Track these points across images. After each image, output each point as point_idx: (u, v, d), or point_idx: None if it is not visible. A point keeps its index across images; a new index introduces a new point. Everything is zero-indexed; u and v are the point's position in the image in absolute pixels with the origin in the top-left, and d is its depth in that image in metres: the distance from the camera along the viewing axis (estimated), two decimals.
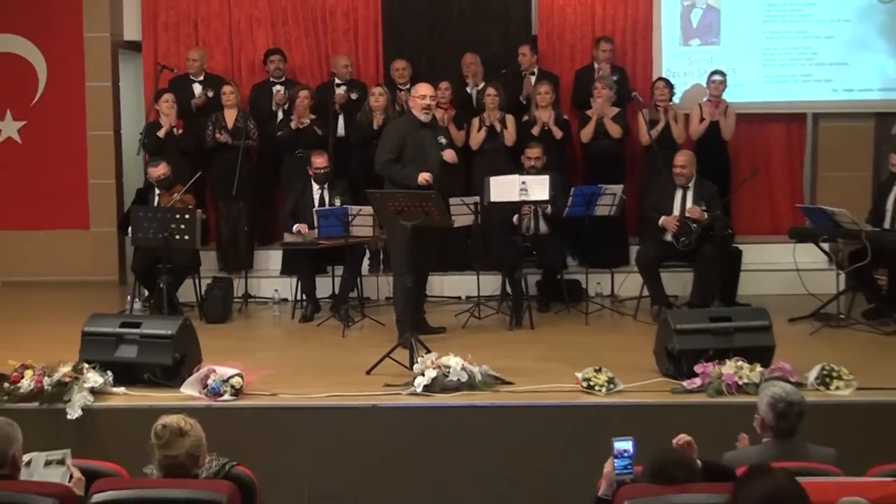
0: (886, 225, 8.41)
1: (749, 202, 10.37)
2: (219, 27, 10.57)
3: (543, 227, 8.96)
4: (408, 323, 7.26)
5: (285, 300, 9.31)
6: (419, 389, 6.39)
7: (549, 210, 8.80)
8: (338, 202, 8.84)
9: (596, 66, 10.10)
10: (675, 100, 9.95)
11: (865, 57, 10.47)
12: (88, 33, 10.56)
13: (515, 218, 8.69)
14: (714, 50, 10.45)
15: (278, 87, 9.96)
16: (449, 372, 6.44)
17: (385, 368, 6.81)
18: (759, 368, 6.38)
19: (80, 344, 6.66)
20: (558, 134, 9.50)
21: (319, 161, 8.93)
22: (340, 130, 9.89)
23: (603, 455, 4.25)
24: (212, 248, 9.87)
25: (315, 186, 8.96)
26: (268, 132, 9.74)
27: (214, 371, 6.45)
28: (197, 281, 8.95)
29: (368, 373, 6.82)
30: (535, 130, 9.45)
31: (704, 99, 9.88)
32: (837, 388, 6.37)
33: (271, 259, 9.90)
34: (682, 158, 8.78)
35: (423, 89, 7.60)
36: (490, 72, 10.12)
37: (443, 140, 7.82)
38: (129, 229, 8.54)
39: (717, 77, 9.80)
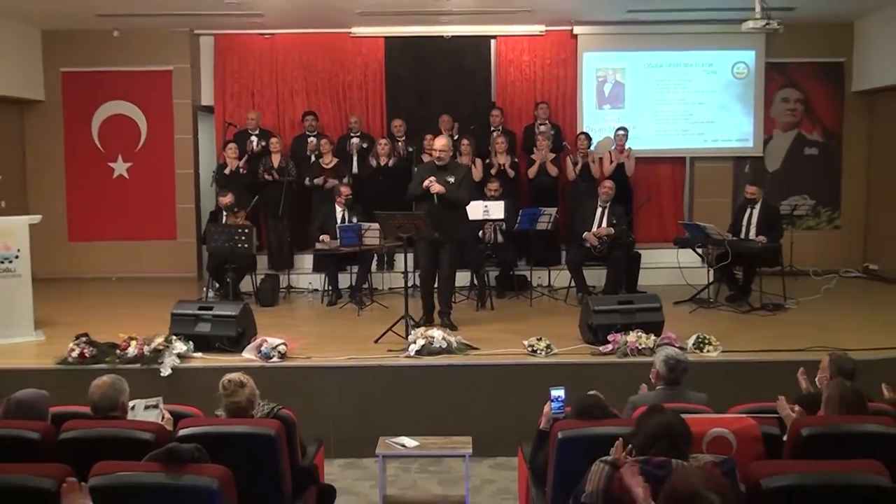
0: (742, 236, 8.44)
1: (646, 219, 10.36)
2: (269, 95, 10.50)
3: (500, 237, 8.97)
4: (426, 304, 7.30)
5: (317, 290, 9.27)
6: (412, 353, 6.38)
7: (504, 226, 8.82)
8: (355, 220, 8.77)
9: (537, 122, 10.09)
10: (592, 147, 9.93)
11: (727, 117, 10.49)
12: (176, 100, 10.49)
13: (480, 233, 8.69)
14: (620, 112, 10.43)
15: (311, 138, 9.88)
16: (434, 341, 6.45)
17: (389, 339, 6.79)
18: (653, 337, 6.41)
19: (170, 322, 6.63)
20: (511, 173, 9.48)
21: (346, 191, 8.85)
22: (355, 169, 9.85)
23: (543, 399, 4.24)
24: (264, 253, 9.83)
25: (338, 209, 8.87)
26: (302, 171, 9.62)
27: (266, 341, 6.43)
28: (253, 276, 8.88)
29: (376, 342, 6.79)
30: (494, 170, 9.44)
31: (613, 147, 9.87)
32: (708, 351, 6.41)
33: (306, 261, 9.81)
34: (608, 184, 8.78)
35: (437, 143, 7.35)
36: (462, 128, 10.12)
37: (451, 179, 7.33)
38: (206, 240, 8.47)
39: (620, 132, 9.78)
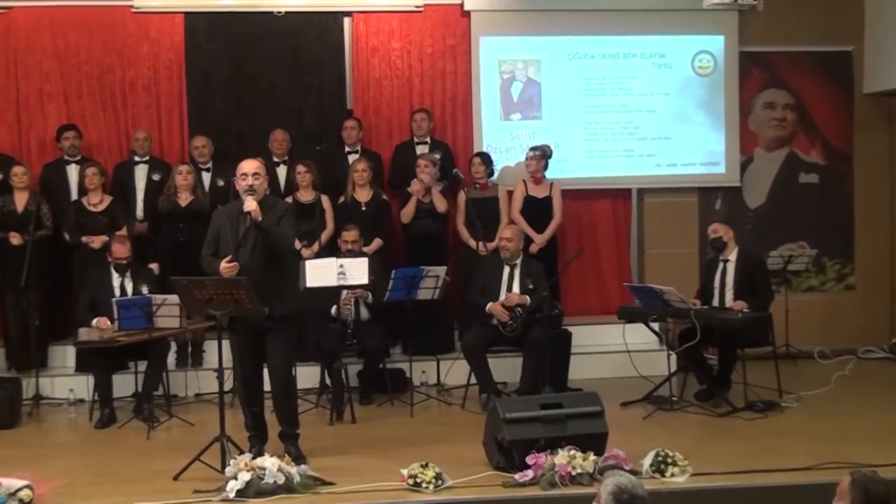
0: (714, 303, 8.71)
1: (577, 281, 10.62)
2: (3, 101, 10.26)
3: (364, 312, 9.00)
4: (248, 417, 7.23)
5: (82, 401, 9.05)
6: (232, 495, 6.25)
7: (370, 299, 8.85)
8: (145, 291, 8.62)
9: (415, 139, 10.24)
10: (495, 177, 10.15)
11: (687, 131, 10.88)
12: None
13: (334, 309, 8.68)
14: (536, 124, 10.69)
15: (72, 164, 9.75)
16: (264, 474, 6.32)
17: (195, 473, 6.63)
18: (592, 457, 6.46)
19: None
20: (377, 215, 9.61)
21: (121, 251, 8.73)
22: (139, 212, 9.76)
23: None
24: None
25: (115, 275, 8.76)
26: (65, 218, 9.47)
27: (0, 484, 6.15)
28: None
29: (176, 478, 6.64)
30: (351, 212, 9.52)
31: (528, 175, 10.05)
32: (672, 474, 6.50)
33: (67, 355, 9.57)
34: (509, 232, 8.97)
35: (244, 165, 7.08)
36: (303, 147, 10.17)
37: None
38: None
39: (531, 153, 10.00)
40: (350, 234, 9.02)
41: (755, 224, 10.97)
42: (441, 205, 9.73)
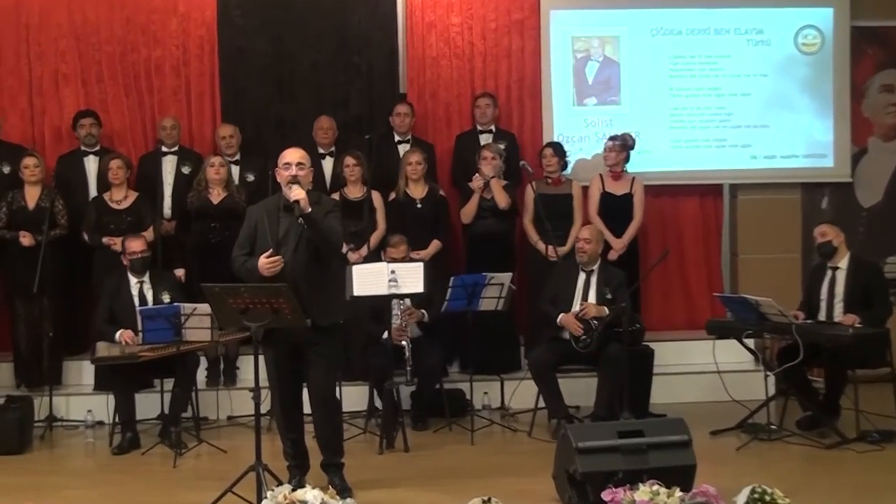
0: (821, 316, 8.63)
1: (660, 291, 10.62)
2: (14, 84, 10.41)
3: (418, 327, 9.03)
4: (287, 444, 7.22)
5: (100, 423, 9.13)
6: None
7: (426, 318, 8.95)
8: (166, 299, 8.70)
9: (477, 128, 10.26)
10: (569, 171, 10.15)
11: (788, 118, 10.80)
12: None
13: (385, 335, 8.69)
14: (614, 110, 10.67)
15: (91, 155, 9.89)
16: None
17: None
18: (678, 493, 6.40)
19: None
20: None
21: (135, 245, 8.82)
22: (167, 210, 9.85)
23: None
24: (6, 357, 9.65)
25: (132, 280, 8.83)
26: (83, 217, 9.57)
27: None
28: None
29: None
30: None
31: (607, 169, 10.05)
32: None
33: (84, 372, 9.66)
34: (588, 232, 8.97)
35: (288, 155, 7.13)
36: (350, 136, 10.24)
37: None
38: None
39: (610, 143, 9.99)
40: (397, 251, 8.98)
41: (869, 226, 10.87)
42: (502, 199, 9.70)
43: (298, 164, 7.00)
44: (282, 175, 7.01)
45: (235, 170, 9.98)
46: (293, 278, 6.82)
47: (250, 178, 9.89)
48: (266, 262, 6.81)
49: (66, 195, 9.68)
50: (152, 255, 9.11)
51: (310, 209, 6.81)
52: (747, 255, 10.87)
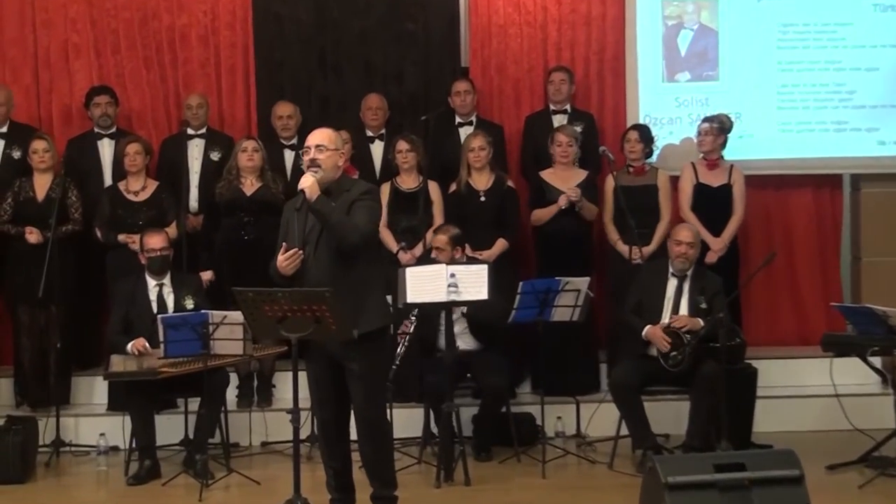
0: None
1: (765, 299, 10.58)
2: (18, 56, 10.54)
3: (469, 340, 9.03)
4: (330, 475, 7.20)
5: (115, 449, 9.20)
6: None
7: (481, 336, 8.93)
8: (189, 305, 8.73)
9: (551, 108, 10.28)
10: (654, 158, 10.12)
11: None
12: None
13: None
14: (711, 87, 10.65)
15: (105, 138, 9.99)
16: None
17: None
18: None
19: None
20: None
21: (155, 241, 8.84)
22: (193, 202, 9.94)
23: None
24: (5, 372, 9.76)
25: (151, 282, 8.88)
26: (98, 210, 9.59)
27: None
28: None
29: None
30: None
31: (700, 156, 10.00)
32: None
33: (96, 389, 9.76)
34: (688, 233, 8.87)
35: (312, 137, 7.14)
36: (404, 117, 10.31)
37: None
38: None
39: (705, 125, 9.92)
40: (439, 238, 8.96)
41: None
42: (589, 214, 9.72)
43: (317, 146, 6.97)
44: (304, 159, 7.06)
45: (291, 156, 10.03)
46: (315, 281, 6.79)
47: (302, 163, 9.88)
48: (283, 259, 6.81)
49: (76, 185, 9.71)
50: (175, 254, 9.10)
51: (315, 197, 6.77)
52: (872, 258, 10.78)
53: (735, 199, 9.86)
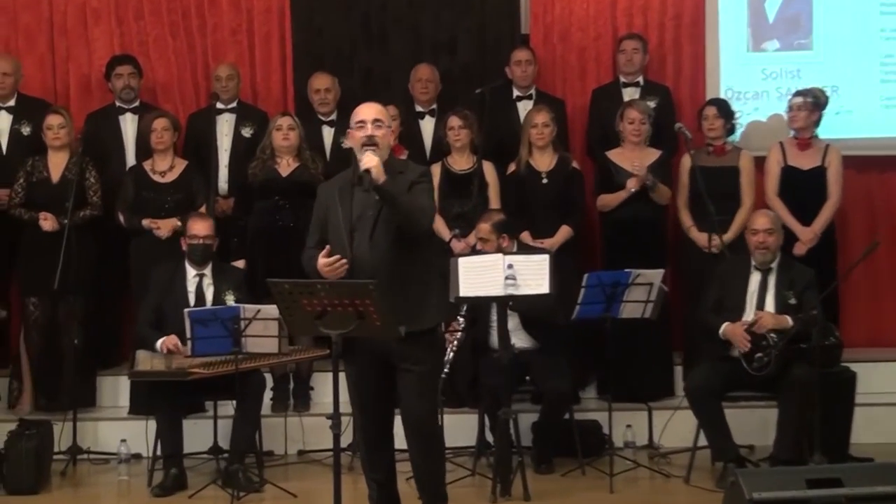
0: None
1: (864, 296, 10.58)
2: (31, 22, 10.61)
3: (524, 337, 9.01)
4: (372, 487, 7.18)
5: (138, 456, 9.24)
6: None
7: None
8: (230, 301, 8.68)
9: (621, 80, 10.28)
10: (736, 137, 10.08)
11: None
12: None
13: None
14: (803, 57, 10.64)
15: (128, 113, 10.05)
16: None
17: None
18: None
19: None
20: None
21: (201, 227, 8.82)
22: (223, 183, 9.98)
23: None
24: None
25: (191, 271, 8.88)
26: (122, 190, 9.62)
27: None
28: None
29: None
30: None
31: (791, 134, 9.96)
32: None
33: (119, 390, 9.85)
34: (767, 220, 8.78)
35: (361, 111, 7.03)
36: (457, 91, 10.31)
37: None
38: None
39: (797, 100, 9.84)
40: (482, 227, 8.92)
41: None
42: (664, 198, 9.71)
43: (375, 120, 6.88)
44: (354, 137, 6.91)
45: (330, 133, 10.05)
46: (370, 272, 6.66)
47: (346, 143, 9.76)
48: (324, 264, 6.72)
49: (96, 164, 9.72)
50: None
51: (383, 179, 6.64)
52: None
53: (830, 182, 9.79)
